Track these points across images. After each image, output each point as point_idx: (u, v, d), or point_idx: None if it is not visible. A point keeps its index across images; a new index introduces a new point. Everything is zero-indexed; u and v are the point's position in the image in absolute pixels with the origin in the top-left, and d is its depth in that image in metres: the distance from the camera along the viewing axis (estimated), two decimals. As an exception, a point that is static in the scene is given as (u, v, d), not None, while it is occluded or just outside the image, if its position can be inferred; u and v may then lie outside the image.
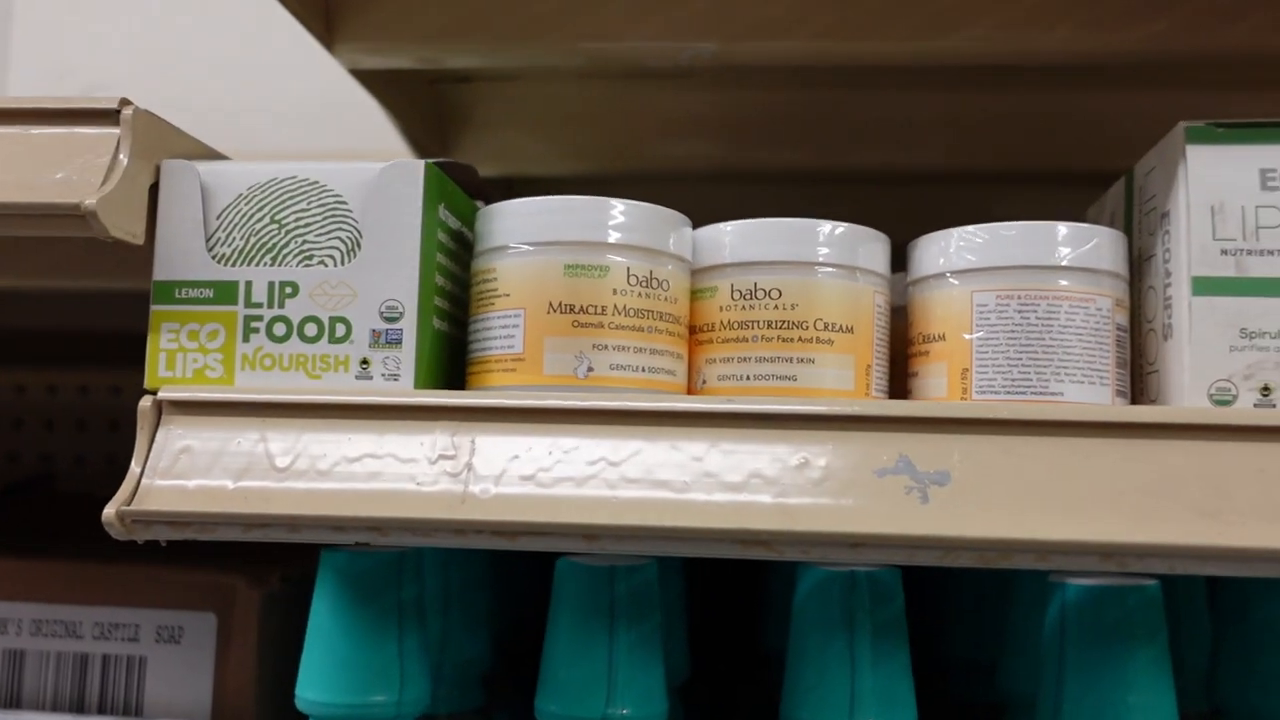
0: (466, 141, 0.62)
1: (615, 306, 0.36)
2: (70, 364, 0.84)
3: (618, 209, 0.37)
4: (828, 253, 0.38)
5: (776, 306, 0.37)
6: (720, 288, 0.38)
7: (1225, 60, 0.47)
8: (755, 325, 0.38)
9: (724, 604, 0.63)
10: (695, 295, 0.39)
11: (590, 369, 0.36)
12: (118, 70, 0.85)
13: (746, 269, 0.38)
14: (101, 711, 0.50)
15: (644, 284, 0.36)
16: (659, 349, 0.36)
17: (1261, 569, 0.31)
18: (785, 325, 0.37)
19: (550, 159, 0.61)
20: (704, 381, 0.38)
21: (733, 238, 0.39)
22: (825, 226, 0.38)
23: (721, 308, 0.38)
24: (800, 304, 0.37)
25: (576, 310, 0.36)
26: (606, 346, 0.36)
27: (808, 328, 0.37)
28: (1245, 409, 0.35)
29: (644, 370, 0.36)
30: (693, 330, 0.39)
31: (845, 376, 0.37)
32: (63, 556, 0.52)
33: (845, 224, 0.38)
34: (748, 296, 0.38)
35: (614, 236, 0.37)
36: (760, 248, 0.38)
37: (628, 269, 0.36)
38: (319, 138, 0.80)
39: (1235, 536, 0.31)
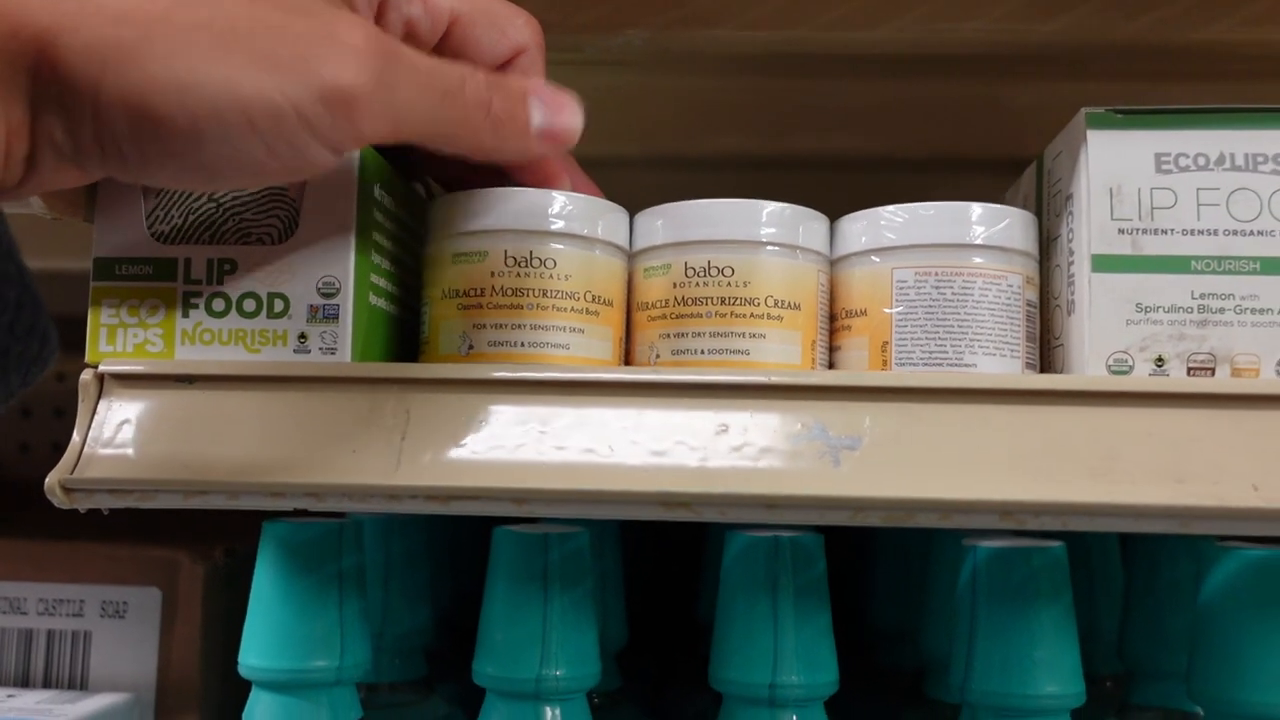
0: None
1: (492, 288, 0.38)
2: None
3: (492, 197, 0.39)
4: (772, 232, 0.40)
5: (729, 284, 0.39)
6: (674, 265, 0.40)
7: (1134, 51, 0.49)
8: (709, 301, 0.39)
9: (665, 576, 0.64)
10: (646, 273, 0.41)
11: (471, 346, 0.38)
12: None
13: (699, 247, 0.40)
14: (47, 686, 0.51)
15: (521, 264, 0.38)
16: (542, 324, 0.38)
17: (1146, 525, 0.33)
18: (738, 302, 0.39)
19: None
20: (657, 355, 0.40)
21: (685, 217, 0.40)
22: (769, 207, 0.40)
23: (675, 284, 0.40)
24: (752, 281, 0.39)
25: (461, 294, 0.39)
26: (485, 325, 0.38)
27: (759, 304, 0.39)
28: (1136, 377, 0.37)
29: (523, 345, 0.38)
30: (645, 307, 0.41)
31: (793, 351, 0.39)
32: (6, 535, 0.53)
33: (793, 206, 0.40)
34: (701, 274, 0.39)
35: (488, 223, 0.39)
36: (714, 227, 0.40)
37: (505, 251, 0.38)
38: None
39: (1123, 494, 0.33)
